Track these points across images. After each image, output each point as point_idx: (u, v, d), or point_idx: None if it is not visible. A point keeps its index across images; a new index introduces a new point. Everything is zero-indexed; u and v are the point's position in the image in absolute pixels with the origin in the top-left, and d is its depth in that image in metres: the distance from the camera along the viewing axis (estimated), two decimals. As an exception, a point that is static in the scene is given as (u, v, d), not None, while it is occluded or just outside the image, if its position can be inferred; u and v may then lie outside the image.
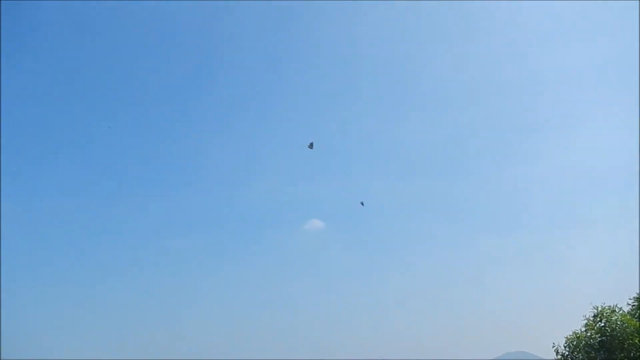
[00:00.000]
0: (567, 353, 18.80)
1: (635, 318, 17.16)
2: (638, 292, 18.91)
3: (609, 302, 19.24)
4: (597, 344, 17.47)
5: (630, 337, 16.64)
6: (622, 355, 16.64)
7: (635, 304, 18.57)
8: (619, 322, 17.21)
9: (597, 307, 18.37)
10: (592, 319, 18.55)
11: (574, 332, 18.77)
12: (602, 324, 17.94)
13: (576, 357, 18.39)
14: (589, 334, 18.14)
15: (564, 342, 19.30)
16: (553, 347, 19.13)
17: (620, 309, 18.20)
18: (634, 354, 16.44)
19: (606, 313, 18.23)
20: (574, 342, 18.55)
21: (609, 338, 17.04)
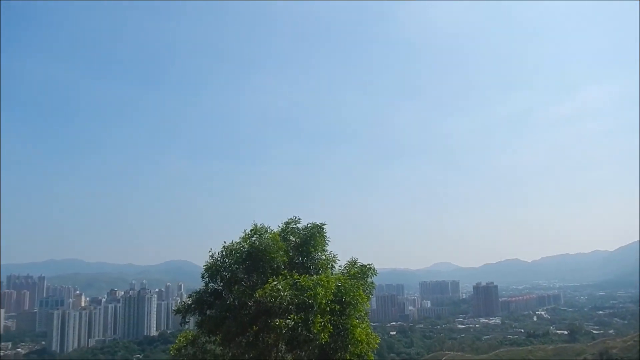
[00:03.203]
0: (219, 258, 20.14)
1: (281, 239, 19.78)
2: (288, 218, 21.62)
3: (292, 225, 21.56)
4: (245, 253, 19.37)
5: (275, 253, 19.00)
6: (265, 264, 19.06)
7: (284, 227, 21.36)
8: (268, 239, 19.45)
9: (256, 225, 20.27)
10: (249, 233, 20.37)
11: (231, 242, 20.22)
12: (254, 239, 19.88)
13: (226, 262, 19.92)
14: (242, 245, 19.86)
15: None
16: (209, 252, 20.11)
17: (272, 230, 20.51)
18: (277, 265, 18.97)
19: (262, 231, 20.26)
20: (227, 250, 19.98)
21: (256, 250, 19.08)
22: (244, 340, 17.74)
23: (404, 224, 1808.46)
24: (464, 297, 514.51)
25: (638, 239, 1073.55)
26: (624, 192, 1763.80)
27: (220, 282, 19.87)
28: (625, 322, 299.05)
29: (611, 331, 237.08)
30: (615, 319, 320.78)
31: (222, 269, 19.82)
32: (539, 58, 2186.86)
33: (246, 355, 17.53)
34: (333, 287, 17.08)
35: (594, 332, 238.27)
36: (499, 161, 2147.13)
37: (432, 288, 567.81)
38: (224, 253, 19.94)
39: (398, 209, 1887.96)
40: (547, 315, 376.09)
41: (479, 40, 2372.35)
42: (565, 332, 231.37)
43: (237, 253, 19.56)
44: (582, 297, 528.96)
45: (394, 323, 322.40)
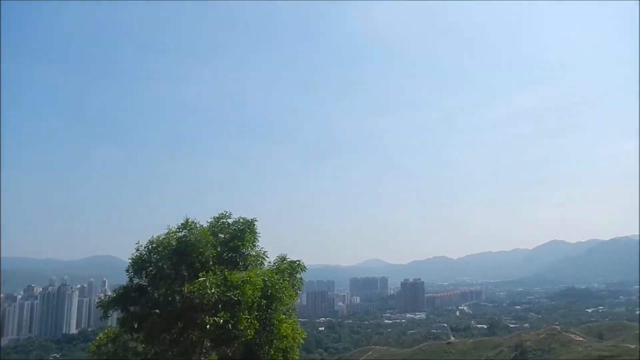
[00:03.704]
0: (145, 253, 19.54)
1: (211, 234, 19.49)
2: (219, 213, 21.36)
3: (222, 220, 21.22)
4: (172, 247, 18.94)
5: (204, 248, 18.74)
6: (194, 260, 18.75)
7: (214, 222, 21.02)
8: (197, 234, 19.12)
9: (187, 220, 19.87)
10: (177, 227, 19.92)
11: (157, 236, 19.67)
12: (183, 234, 19.48)
13: (152, 257, 19.37)
14: (169, 239, 19.36)
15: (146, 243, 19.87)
16: (136, 245, 19.48)
17: (202, 225, 20.15)
18: (205, 260, 18.72)
19: (192, 226, 19.88)
20: (154, 244, 19.41)
21: (185, 245, 18.75)
22: (168, 337, 17.38)
23: (336, 221, 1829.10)
24: (392, 293, 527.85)
25: (554, 239, 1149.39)
26: (545, 195, 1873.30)
27: (146, 277, 19.36)
28: (540, 316, 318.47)
29: (526, 325, 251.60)
30: (531, 313, 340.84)
31: (148, 263, 19.31)
32: (472, 62, 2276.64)
33: (169, 353, 17.18)
34: (260, 283, 17.11)
35: (511, 325, 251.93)
36: (429, 161, 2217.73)
37: (362, 284, 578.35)
38: (150, 247, 19.42)
39: (330, 206, 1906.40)
40: (469, 310, 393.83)
41: (414, 43, 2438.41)
42: (485, 326, 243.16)
43: (165, 247, 19.10)
44: (502, 293, 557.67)
45: (323, 319, 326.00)
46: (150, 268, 19.14)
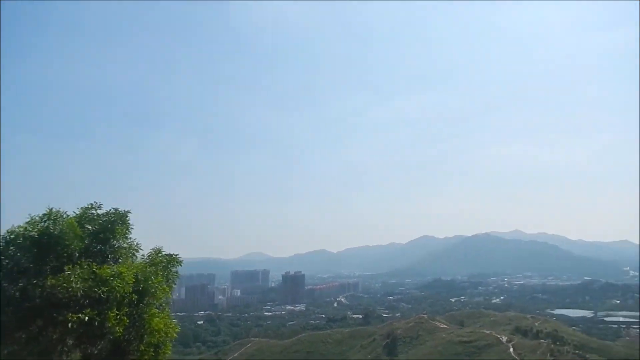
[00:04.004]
0: (2, 244, 17.70)
1: (79, 226, 18.16)
2: (87, 204, 20.02)
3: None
4: (33, 239, 17.38)
5: (70, 240, 17.50)
6: (59, 252, 17.40)
7: (82, 212, 19.52)
8: (62, 225, 17.74)
9: (51, 209, 18.32)
10: (39, 217, 18.28)
11: (18, 226, 17.90)
12: (46, 224, 17.96)
13: (10, 249, 17.63)
14: (29, 230, 17.71)
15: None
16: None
17: (68, 215, 18.66)
18: (71, 253, 17.49)
19: (57, 216, 18.38)
20: (12, 235, 17.67)
21: (48, 237, 17.35)
22: (24, 335, 16.05)
23: (218, 214, 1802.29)
24: (273, 285, 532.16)
25: (425, 234, 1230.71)
26: (420, 193, 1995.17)
27: (0, 271, 17.66)
28: (410, 306, 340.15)
29: (398, 314, 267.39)
30: (402, 303, 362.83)
31: (4, 257, 17.63)
32: (372, 62, 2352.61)
33: (26, 353, 15.87)
34: (132, 278, 16.44)
35: (384, 315, 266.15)
36: (321, 159, 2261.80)
37: (244, 277, 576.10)
38: (8, 238, 17.72)
39: (212, 199, 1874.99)
40: (346, 301, 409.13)
41: (318, 41, 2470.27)
42: (360, 316, 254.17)
43: (25, 239, 17.53)
44: (377, 285, 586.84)
45: (203, 312, 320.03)
46: (6, 261, 17.50)
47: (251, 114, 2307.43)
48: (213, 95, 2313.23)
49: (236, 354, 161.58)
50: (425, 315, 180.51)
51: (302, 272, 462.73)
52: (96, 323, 15.07)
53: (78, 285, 15.19)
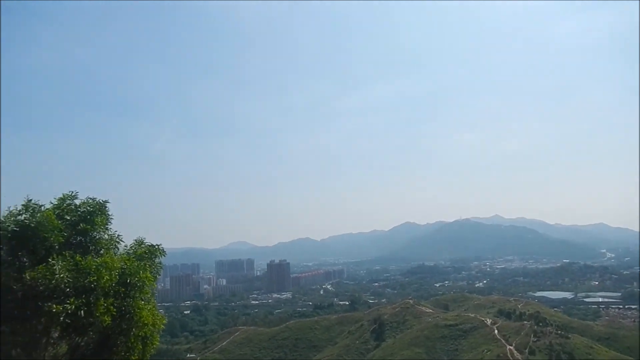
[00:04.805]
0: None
1: (56, 217, 17.66)
2: (63, 193, 19.42)
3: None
4: (10, 232, 16.89)
5: (48, 232, 17.03)
6: (37, 245, 16.93)
7: (58, 203, 18.95)
8: (39, 217, 17.26)
9: (29, 201, 17.79)
10: (16, 209, 17.75)
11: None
12: (24, 217, 17.44)
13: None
14: (6, 223, 17.21)
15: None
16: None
17: (46, 207, 18.11)
18: (50, 245, 17.04)
19: (35, 208, 17.85)
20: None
21: (26, 229, 16.85)
22: (6, 329, 15.63)
23: (200, 204, 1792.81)
24: (258, 274, 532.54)
25: (407, 221, 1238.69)
26: (400, 180, 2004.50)
27: (-24, 264, 17.12)
28: (395, 291, 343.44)
29: (384, 300, 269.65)
30: (388, 289, 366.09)
31: (-19, 250, 17.09)
32: (336, 52, 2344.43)
33: (10, 345, 15.48)
34: (118, 269, 16.07)
35: (371, 301, 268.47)
36: (296, 145, 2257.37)
37: (228, 266, 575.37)
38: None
39: (195, 188, 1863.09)
40: (332, 288, 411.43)
41: (283, 29, 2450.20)
42: (347, 303, 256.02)
43: (2, 232, 17.01)
44: (362, 272, 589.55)
45: (189, 302, 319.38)
46: (-16, 254, 16.98)
47: (226, 102, 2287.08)
48: (192, 84, 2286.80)
49: (225, 343, 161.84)
50: (410, 301, 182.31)
51: (287, 261, 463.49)
52: (82, 313, 14.72)
53: (62, 275, 14.80)
